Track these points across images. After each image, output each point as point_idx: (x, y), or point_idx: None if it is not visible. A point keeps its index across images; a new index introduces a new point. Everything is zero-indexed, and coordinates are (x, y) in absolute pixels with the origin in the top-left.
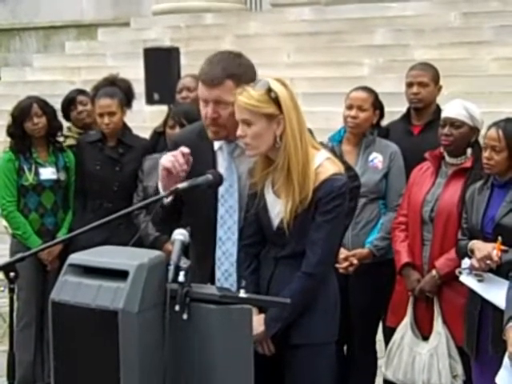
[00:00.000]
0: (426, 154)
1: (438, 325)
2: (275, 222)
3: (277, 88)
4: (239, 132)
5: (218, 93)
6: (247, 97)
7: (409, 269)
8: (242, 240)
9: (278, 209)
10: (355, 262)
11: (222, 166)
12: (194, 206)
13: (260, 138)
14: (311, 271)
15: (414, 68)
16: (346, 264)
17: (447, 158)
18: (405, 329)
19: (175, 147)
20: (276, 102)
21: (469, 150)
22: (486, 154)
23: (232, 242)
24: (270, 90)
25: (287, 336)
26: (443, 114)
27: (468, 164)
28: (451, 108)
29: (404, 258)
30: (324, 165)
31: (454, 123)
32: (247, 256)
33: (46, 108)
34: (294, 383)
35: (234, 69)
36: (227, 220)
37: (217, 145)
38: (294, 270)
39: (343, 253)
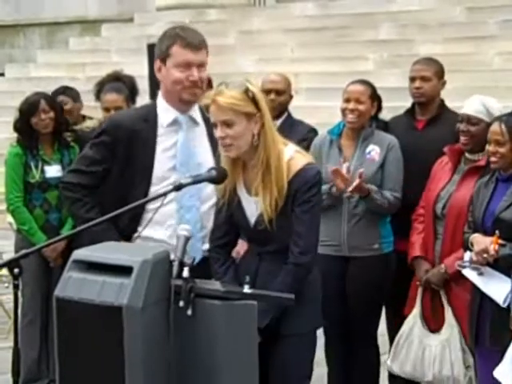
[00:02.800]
0: (445, 149)
1: (450, 317)
2: (252, 221)
3: (252, 88)
4: (219, 133)
5: (202, 56)
6: (228, 97)
7: (419, 260)
8: (212, 241)
9: (252, 207)
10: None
11: (169, 142)
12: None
13: (241, 138)
14: (297, 262)
15: (417, 63)
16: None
17: (466, 154)
18: (414, 320)
19: (116, 128)
20: (253, 101)
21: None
22: (490, 148)
23: (195, 209)
24: (247, 90)
25: (276, 326)
26: (462, 110)
27: (482, 162)
28: (469, 104)
29: (416, 251)
30: (295, 157)
31: (470, 120)
32: (220, 255)
33: (53, 104)
34: (279, 369)
35: (204, 39)
36: (190, 188)
37: (168, 119)
38: (280, 263)
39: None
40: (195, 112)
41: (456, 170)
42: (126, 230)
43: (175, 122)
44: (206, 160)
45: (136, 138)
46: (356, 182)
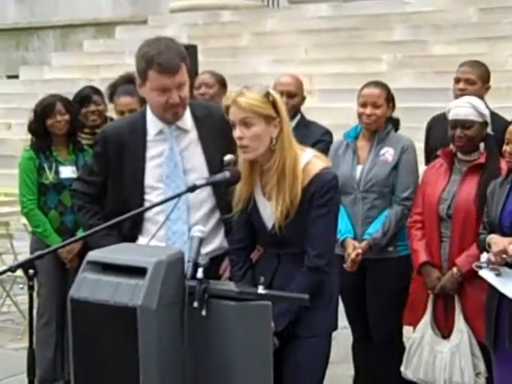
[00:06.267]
0: (439, 152)
1: (460, 322)
2: (269, 225)
3: (273, 92)
4: (237, 133)
5: (180, 78)
6: (250, 98)
7: (428, 267)
8: (231, 244)
9: (268, 211)
10: (360, 251)
11: (157, 149)
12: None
13: (259, 140)
14: (314, 265)
15: (463, 65)
16: (355, 253)
17: (459, 155)
18: (424, 327)
19: (105, 141)
20: (273, 105)
21: (481, 145)
22: (508, 148)
23: (183, 221)
24: (268, 94)
25: (292, 328)
26: (451, 116)
27: (482, 160)
28: (459, 109)
29: (422, 256)
30: (312, 161)
31: (464, 124)
32: (239, 258)
33: (69, 107)
34: (293, 369)
35: (182, 51)
36: (175, 200)
37: (155, 130)
38: (298, 265)
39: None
40: (184, 120)
41: (452, 171)
42: (127, 239)
43: (161, 133)
44: (194, 166)
45: (125, 148)
46: (353, 254)
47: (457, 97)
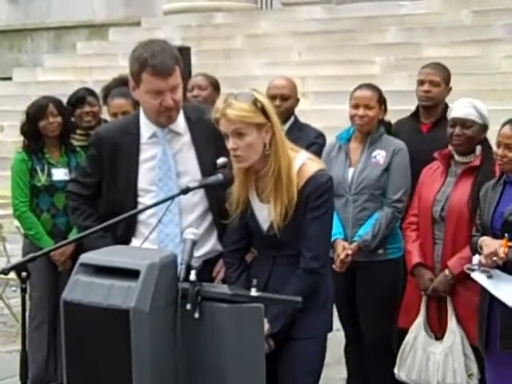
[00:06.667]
0: (436, 154)
1: (452, 324)
2: (264, 227)
3: (260, 98)
4: (231, 145)
5: (173, 80)
6: (238, 109)
7: (421, 268)
8: (226, 246)
9: (264, 214)
10: (350, 252)
11: (150, 152)
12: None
13: (252, 149)
14: (309, 267)
15: (427, 66)
16: (344, 253)
17: (456, 157)
18: (418, 329)
19: (99, 143)
20: (262, 111)
21: (478, 148)
22: (499, 151)
23: (175, 224)
24: (256, 101)
25: (287, 330)
26: (452, 115)
27: (477, 162)
28: (460, 108)
29: (415, 258)
30: (307, 164)
31: (465, 123)
32: (234, 260)
33: (61, 109)
34: (288, 370)
35: (176, 53)
36: (167, 203)
37: (148, 133)
38: (293, 267)
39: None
40: (177, 123)
41: (448, 173)
42: (121, 241)
43: (154, 136)
44: (187, 169)
45: (118, 150)
46: (342, 255)
47: (420, 99)
